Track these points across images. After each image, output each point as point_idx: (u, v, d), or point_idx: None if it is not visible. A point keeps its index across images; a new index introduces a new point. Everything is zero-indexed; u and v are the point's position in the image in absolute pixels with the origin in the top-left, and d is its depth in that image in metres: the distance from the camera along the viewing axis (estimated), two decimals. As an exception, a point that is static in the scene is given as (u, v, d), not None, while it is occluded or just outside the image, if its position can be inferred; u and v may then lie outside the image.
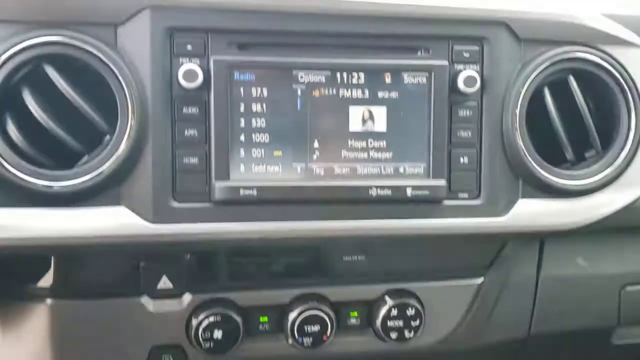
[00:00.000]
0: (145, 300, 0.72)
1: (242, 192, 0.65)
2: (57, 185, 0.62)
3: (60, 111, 0.63)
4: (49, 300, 0.70)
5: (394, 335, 0.77)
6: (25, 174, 0.61)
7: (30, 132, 0.62)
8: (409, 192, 0.67)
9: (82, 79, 0.63)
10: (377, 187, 0.67)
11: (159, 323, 0.72)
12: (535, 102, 0.71)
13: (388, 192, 0.67)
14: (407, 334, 0.77)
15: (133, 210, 0.64)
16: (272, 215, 0.66)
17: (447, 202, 0.70)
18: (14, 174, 0.61)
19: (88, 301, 0.71)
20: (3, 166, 0.60)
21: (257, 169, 0.66)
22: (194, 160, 0.65)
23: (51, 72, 0.62)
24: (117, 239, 0.64)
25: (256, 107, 0.66)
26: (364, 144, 0.68)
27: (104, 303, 0.72)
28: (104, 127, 0.63)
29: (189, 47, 0.64)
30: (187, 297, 0.72)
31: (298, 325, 0.74)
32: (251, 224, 0.66)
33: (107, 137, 0.64)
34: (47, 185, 0.62)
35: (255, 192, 0.65)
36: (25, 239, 0.62)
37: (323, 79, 0.67)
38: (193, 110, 0.65)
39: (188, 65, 0.63)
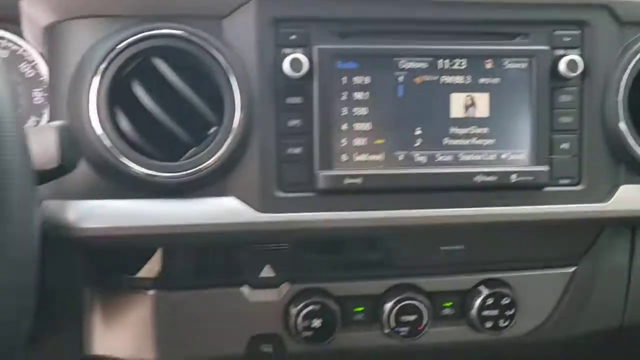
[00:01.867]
0: (244, 290, 0.72)
1: (346, 180, 0.65)
2: (167, 176, 0.63)
3: (167, 104, 0.64)
4: (150, 292, 0.72)
5: (488, 324, 0.76)
6: (137, 164, 0.62)
7: (139, 124, 0.64)
8: (513, 178, 0.67)
9: (187, 72, 0.64)
10: (482, 173, 0.66)
11: (258, 313, 0.73)
12: (637, 84, 0.70)
13: (493, 178, 0.66)
14: (501, 323, 0.76)
15: (241, 200, 0.65)
16: (375, 204, 0.66)
17: (549, 189, 0.69)
18: (126, 165, 0.62)
19: (188, 292, 0.72)
20: (116, 157, 0.62)
21: (359, 158, 0.66)
22: (297, 150, 0.66)
23: (160, 65, 0.63)
24: (227, 227, 0.64)
25: (358, 96, 0.66)
26: (466, 130, 0.67)
27: (204, 293, 0.72)
28: (212, 119, 0.64)
29: (293, 36, 0.65)
30: (284, 287, 0.73)
31: (395, 315, 0.74)
32: (355, 213, 0.66)
33: (213, 129, 0.65)
34: (157, 176, 0.63)
35: (359, 181, 0.65)
36: (138, 228, 0.63)
37: (425, 66, 0.66)
38: (297, 100, 0.65)
39: (293, 54, 0.63)
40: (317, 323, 0.72)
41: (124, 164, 0.62)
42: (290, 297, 0.73)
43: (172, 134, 0.64)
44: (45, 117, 0.82)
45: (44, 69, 0.81)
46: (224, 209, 0.65)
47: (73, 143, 0.58)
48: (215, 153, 0.64)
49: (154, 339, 0.72)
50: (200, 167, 0.63)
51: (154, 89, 0.64)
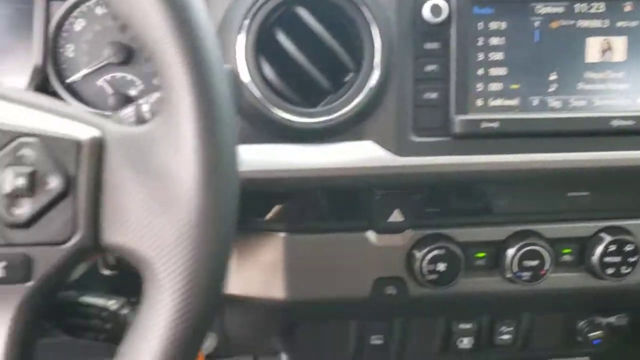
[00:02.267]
0: (370, 235, 0.75)
1: (483, 125, 0.66)
2: (308, 121, 0.65)
3: (308, 51, 0.66)
4: (281, 234, 0.75)
5: (610, 271, 0.77)
6: (281, 111, 0.65)
7: (281, 72, 0.66)
8: (651, 122, 0.67)
9: (325, 19, 0.66)
10: (618, 117, 0.67)
11: (383, 256, 0.76)
12: None
13: (630, 122, 0.67)
14: (623, 270, 0.77)
15: (378, 144, 0.67)
16: (510, 149, 0.68)
17: (684, 134, 0.69)
18: (270, 112, 0.65)
19: (317, 235, 0.75)
20: (262, 104, 0.64)
21: (495, 103, 0.68)
22: (434, 95, 0.67)
23: (303, 14, 0.65)
24: (365, 171, 0.67)
25: (494, 41, 0.67)
26: (601, 75, 0.68)
27: (331, 237, 0.75)
28: (351, 65, 0.66)
29: None
30: (409, 232, 0.75)
31: (517, 260, 0.75)
32: (490, 157, 0.68)
33: (350, 75, 0.67)
34: (299, 121, 0.65)
35: (496, 125, 0.66)
36: (277, 172, 0.66)
37: (561, 10, 0.67)
38: (434, 45, 0.67)
39: (433, 0, 0.65)
40: (441, 267, 0.74)
41: (269, 110, 0.64)
42: (414, 242, 0.75)
43: (313, 80, 0.66)
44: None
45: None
46: (362, 153, 0.67)
47: (239, 88, 0.61)
48: (355, 99, 0.66)
49: (283, 279, 0.76)
50: (340, 112, 0.66)
51: (295, 38, 0.66)
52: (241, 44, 0.64)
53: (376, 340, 0.84)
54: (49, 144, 0.41)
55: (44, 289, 0.42)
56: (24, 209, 0.40)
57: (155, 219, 0.41)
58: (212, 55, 0.42)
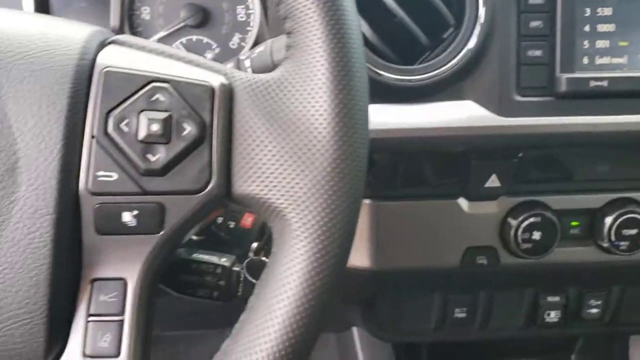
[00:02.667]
0: (461, 202, 0.72)
1: (591, 83, 0.63)
2: (406, 79, 0.63)
3: (406, 7, 0.63)
4: (368, 201, 0.72)
5: None
6: (379, 69, 0.62)
7: (378, 29, 0.63)
8: None
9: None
10: None
11: (474, 225, 0.73)
12: None
13: None
14: None
15: (479, 104, 0.64)
16: (617, 109, 0.64)
17: None
18: (370, 69, 0.62)
19: (405, 202, 0.73)
20: (360, 62, 0.62)
21: (602, 61, 0.64)
22: (538, 52, 0.64)
23: (403, -33, 0.62)
24: (465, 131, 0.64)
25: (602, -5, 0.63)
26: None
27: (421, 204, 0.73)
28: (451, 21, 0.63)
29: None
30: (503, 199, 0.72)
31: (615, 229, 0.72)
32: (597, 118, 0.64)
33: (450, 31, 0.64)
34: (397, 79, 0.63)
35: (605, 84, 0.63)
36: (379, 132, 0.63)
37: (676, -37, 0.63)
38: (539, 0, 0.63)
39: None
40: (536, 236, 0.71)
41: (369, 69, 0.62)
42: (508, 210, 0.72)
43: (411, 37, 0.63)
44: (250, 34, 0.82)
45: (248, -15, 0.82)
46: (462, 113, 0.64)
47: None
48: (455, 56, 0.63)
49: (369, 247, 0.74)
50: (439, 70, 0.63)
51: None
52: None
53: (459, 313, 0.81)
54: (182, 89, 0.39)
55: (172, 241, 0.40)
56: (159, 156, 0.38)
57: (288, 169, 0.39)
58: (347, 2, 0.39)
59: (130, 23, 0.81)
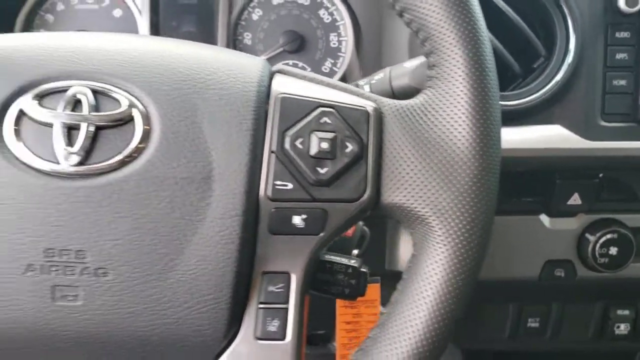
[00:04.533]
0: (543, 218, 0.78)
1: (672, 112, 0.69)
2: (502, 104, 0.69)
3: (498, 36, 0.69)
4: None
5: None
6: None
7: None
8: None
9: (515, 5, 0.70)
10: None
11: (554, 239, 0.78)
12: None
13: None
14: None
15: (567, 128, 0.70)
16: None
17: None
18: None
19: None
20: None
21: (682, 91, 0.70)
22: (622, 82, 0.70)
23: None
24: (554, 152, 0.70)
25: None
26: None
27: (506, 220, 0.78)
28: (542, 51, 0.69)
29: None
30: (581, 216, 0.78)
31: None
32: (678, 143, 0.70)
33: (540, 61, 0.70)
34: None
35: (685, 112, 0.69)
36: None
37: None
38: (626, 34, 0.69)
39: None
40: (613, 251, 0.77)
41: None
42: (586, 226, 0.78)
43: (505, 65, 0.70)
44: (342, 59, 0.89)
45: (340, 14, 0.89)
46: (551, 136, 0.70)
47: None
48: (546, 85, 0.69)
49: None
50: (532, 97, 0.69)
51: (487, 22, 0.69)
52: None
53: (533, 323, 0.86)
54: (344, 113, 0.45)
55: (327, 242, 0.47)
56: (327, 169, 0.44)
57: (432, 182, 0.45)
58: (485, 37, 0.46)
59: (234, 48, 0.88)
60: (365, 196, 0.45)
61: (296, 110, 0.45)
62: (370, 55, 0.86)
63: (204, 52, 0.48)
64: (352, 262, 0.56)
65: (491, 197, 0.46)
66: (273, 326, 0.45)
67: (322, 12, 0.89)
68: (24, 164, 0.43)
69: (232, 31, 0.89)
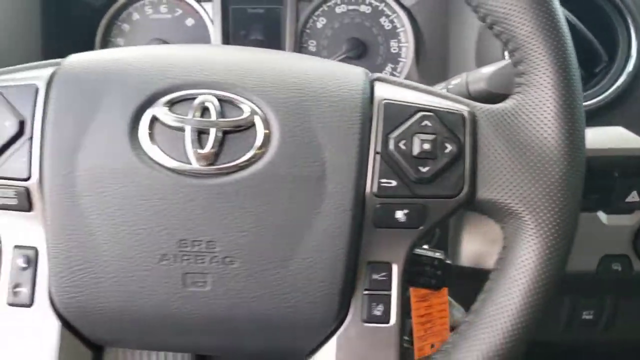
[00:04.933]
0: (600, 214, 0.81)
1: None
2: None
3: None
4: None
5: None
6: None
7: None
8: None
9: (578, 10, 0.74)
10: None
11: (610, 235, 0.82)
12: None
13: None
14: None
15: (628, 129, 0.74)
16: None
17: None
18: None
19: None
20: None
21: None
22: None
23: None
24: (617, 152, 0.74)
25: None
26: None
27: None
28: (604, 57, 0.73)
29: None
30: (637, 213, 0.81)
31: None
32: None
33: (602, 66, 0.74)
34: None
35: None
36: None
37: None
38: None
39: None
40: (669, 246, 0.80)
41: None
42: (640, 223, 0.81)
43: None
44: (402, 64, 0.94)
45: (400, 21, 0.94)
46: (613, 137, 0.74)
47: None
48: (608, 89, 0.73)
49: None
50: (594, 100, 0.73)
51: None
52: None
53: (587, 315, 0.90)
54: (443, 117, 0.50)
55: (425, 235, 0.51)
56: (428, 168, 0.49)
57: (524, 179, 0.49)
58: (570, 48, 0.50)
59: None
60: (463, 193, 0.50)
61: (398, 114, 0.50)
62: (431, 61, 0.90)
63: (312, 63, 0.53)
64: (438, 255, 0.60)
65: (578, 193, 0.50)
66: (378, 311, 0.50)
67: (382, 19, 0.94)
68: (159, 164, 0.48)
69: (299, 39, 0.94)
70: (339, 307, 0.49)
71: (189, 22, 0.94)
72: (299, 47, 0.94)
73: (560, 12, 0.50)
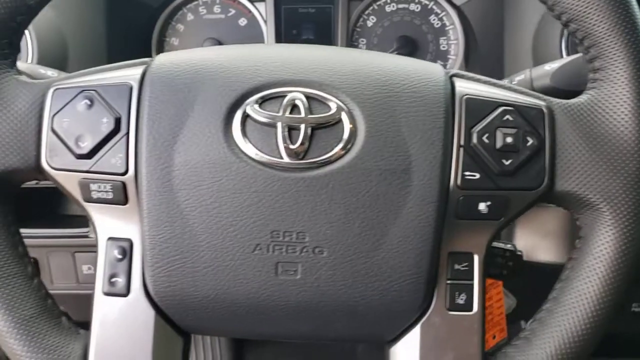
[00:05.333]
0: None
1: None
2: None
3: None
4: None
5: None
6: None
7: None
8: None
9: None
10: None
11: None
12: None
13: None
14: None
15: None
16: None
17: None
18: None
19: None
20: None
21: None
22: None
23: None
24: None
25: None
26: None
27: None
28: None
29: None
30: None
31: None
32: None
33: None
34: None
35: None
36: None
37: None
38: None
39: None
40: None
41: None
42: None
43: None
44: (451, 61, 0.96)
45: (450, 19, 0.95)
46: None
47: None
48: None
49: (563, 244, 0.85)
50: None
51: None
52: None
53: (636, 307, 0.91)
54: (523, 111, 0.51)
55: (504, 226, 0.53)
56: (511, 161, 0.51)
57: (602, 172, 0.51)
58: None
59: (351, 52, 0.95)
60: (543, 185, 0.51)
61: (480, 109, 0.51)
62: (483, 58, 0.92)
63: (392, 60, 0.55)
64: (509, 246, 0.62)
65: None
66: (461, 299, 0.52)
67: (432, 17, 0.96)
68: (252, 159, 0.50)
69: (349, 38, 0.95)
70: (424, 296, 0.51)
71: (242, 21, 0.97)
72: (350, 45, 0.96)
73: (637, 9, 0.51)
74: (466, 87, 0.53)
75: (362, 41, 0.96)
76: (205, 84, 0.51)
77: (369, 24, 0.96)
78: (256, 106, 0.50)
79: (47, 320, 0.53)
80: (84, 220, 0.86)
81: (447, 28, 0.95)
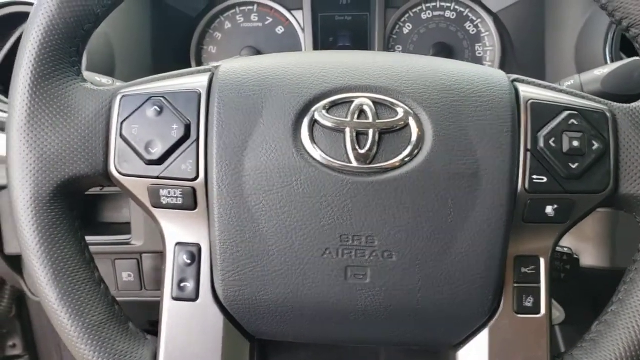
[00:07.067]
0: None
1: None
2: None
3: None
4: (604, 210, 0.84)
5: None
6: None
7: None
8: None
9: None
10: None
11: None
12: None
13: None
14: None
15: None
16: None
17: None
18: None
19: None
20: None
21: None
22: None
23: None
24: None
25: None
26: None
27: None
28: None
29: None
30: None
31: None
32: None
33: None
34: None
35: None
36: None
37: None
38: None
39: None
40: None
41: None
42: None
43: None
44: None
45: (486, 26, 0.96)
46: None
47: None
48: None
49: (610, 249, 0.85)
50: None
51: None
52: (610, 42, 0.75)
53: None
54: (588, 116, 0.52)
55: (568, 229, 0.53)
56: (577, 164, 0.51)
57: None
58: None
59: (388, 59, 0.96)
60: (608, 188, 0.52)
61: (545, 113, 0.52)
62: (522, 64, 0.92)
63: (455, 65, 0.55)
64: (566, 250, 0.62)
65: None
66: (528, 302, 0.52)
67: (467, 24, 0.96)
68: (320, 163, 0.50)
69: (386, 45, 0.96)
70: (492, 300, 0.51)
71: (279, 29, 0.97)
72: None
73: None
74: (530, 91, 0.53)
75: (398, 48, 0.97)
76: (273, 91, 0.51)
77: (405, 31, 0.97)
78: (324, 112, 0.51)
79: (116, 326, 0.53)
80: (123, 228, 0.87)
81: (482, 35, 0.96)
